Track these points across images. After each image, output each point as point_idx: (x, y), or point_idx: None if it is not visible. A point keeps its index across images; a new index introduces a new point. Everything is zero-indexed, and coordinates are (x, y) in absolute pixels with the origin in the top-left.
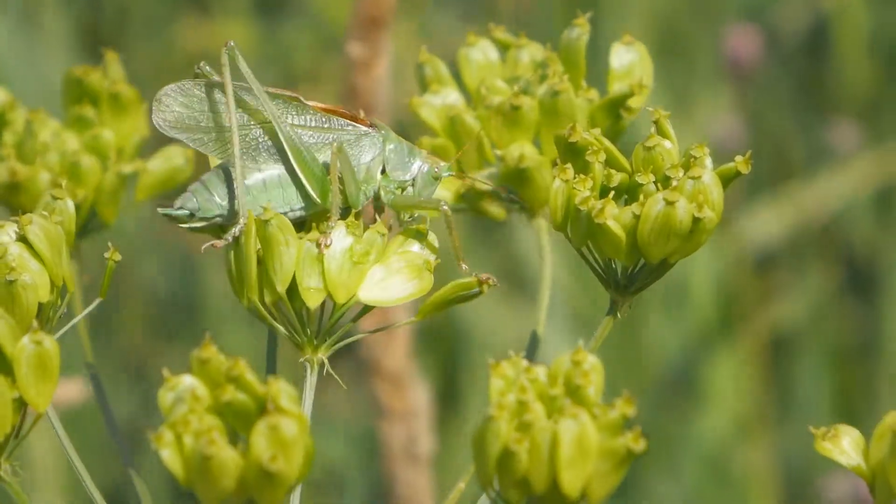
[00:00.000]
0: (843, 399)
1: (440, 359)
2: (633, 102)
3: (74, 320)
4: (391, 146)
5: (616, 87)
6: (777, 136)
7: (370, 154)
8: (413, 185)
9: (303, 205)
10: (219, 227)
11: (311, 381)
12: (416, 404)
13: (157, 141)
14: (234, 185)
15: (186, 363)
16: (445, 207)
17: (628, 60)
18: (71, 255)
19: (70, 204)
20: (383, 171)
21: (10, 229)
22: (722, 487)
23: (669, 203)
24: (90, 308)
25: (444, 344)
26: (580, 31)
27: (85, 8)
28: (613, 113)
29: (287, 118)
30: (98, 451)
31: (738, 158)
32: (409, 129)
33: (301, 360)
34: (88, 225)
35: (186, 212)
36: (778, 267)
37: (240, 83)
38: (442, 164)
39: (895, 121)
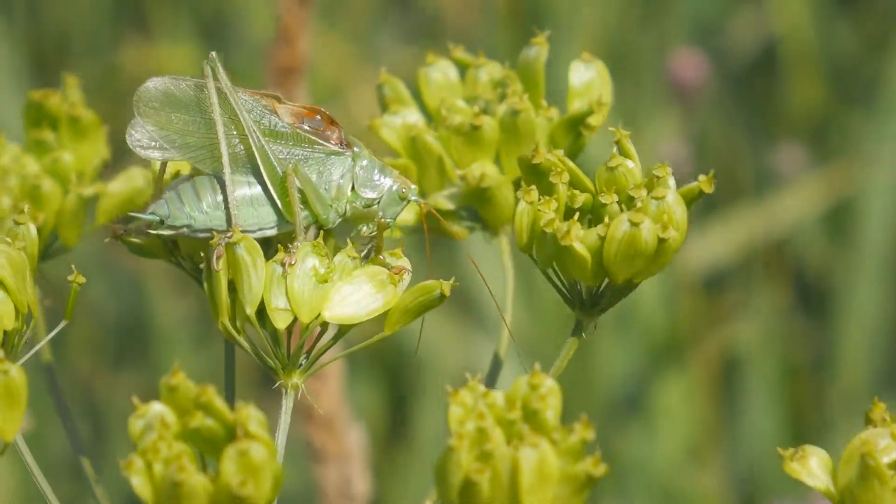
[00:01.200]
0: (794, 419)
1: (386, 382)
2: (592, 120)
3: (39, 345)
4: (362, 163)
5: (576, 105)
6: (725, 158)
7: (339, 171)
8: (378, 203)
9: (275, 223)
10: (168, 244)
11: (287, 405)
12: (351, 446)
13: (114, 162)
14: (202, 201)
15: (135, 387)
16: (383, 219)
17: (588, 77)
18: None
19: (33, 229)
20: (353, 189)
21: None
22: None
23: (634, 224)
24: (55, 332)
25: (390, 367)
26: (539, 48)
27: (27, 30)
28: (574, 131)
29: (266, 128)
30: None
31: (702, 177)
32: (371, 145)
33: (276, 385)
34: (50, 248)
35: (157, 218)
36: (728, 288)
37: (216, 88)
38: (412, 185)
39: (843, 141)
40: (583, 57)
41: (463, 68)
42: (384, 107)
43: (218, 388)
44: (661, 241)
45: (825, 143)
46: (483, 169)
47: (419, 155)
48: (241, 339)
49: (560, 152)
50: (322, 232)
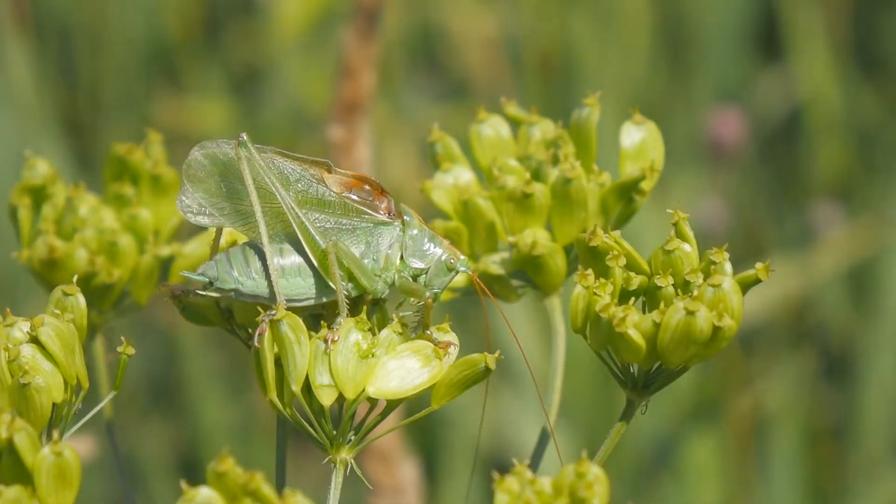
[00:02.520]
0: (816, 482)
1: (419, 444)
2: (644, 185)
3: (88, 415)
4: (412, 232)
5: (628, 169)
6: (755, 218)
7: (388, 241)
8: (426, 273)
9: (324, 293)
10: (218, 309)
11: (336, 482)
12: (406, 480)
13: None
14: (251, 266)
15: (168, 437)
16: (429, 297)
17: (639, 139)
18: (96, 335)
19: (81, 299)
20: (402, 258)
21: (22, 325)
22: None
23: (690, 313)
24: (104, 402)
25: (424, 429)
26: (590, 110)
27: (62, 87)
28: (625, 196)
29: (308, 201)
30: None
31: (759, 265)
32: (405, 200)
33: (325, 461)
34: (120, 304)
35: (206, 279)
36: (757, 347)
37: (265, 148)
38: (461, 256)
39: (866, 206)
40: (634, 119)
41: (515, 125)
42: (436, 164)
43: (257, 449)
44: (717, 329)
45: (849, 208)
46: (534, 236)
47: (471, 218)
48: (289, 415)
49: (617, 233)
50: (365, 307)
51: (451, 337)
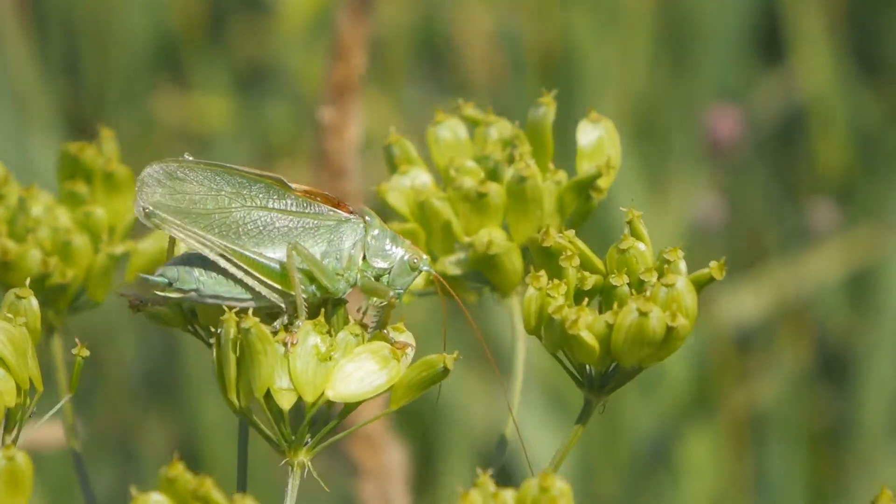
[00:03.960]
0: (814, 481)
1: (413, 436)
2: (601, 182)
3: (45, 418)
4: (374, 232)
5: (584, 167)
6: (754, 217)
7: (351, 240)
8: (389, 273)
9: (285, 295)
10: (180, 310)
11: (292, 484)
12: (391, 463)
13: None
14: (210, 267)
15: (165, 433)
16: (393, 297)
17: (595, 137)
18: (57, 333)
19: (34, 302)
20: (364, 258)
21: None
22: None
23: (643, 313)
24: (58, 406)
25: (417, 421)
26: (546, 108)
27: (65, 84)
28: (583, 194)
29: (268, 202)
30: None
31: (712, 264)
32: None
33: (281, 463)
34: (76, 302)
35: (165, 280)
36: (753, 347)
37: (220, 165)
38: (423, 256)
39: (865, 208)
40: (591, 117)
41: (474, 125)
42: (392, 167)
43: (256, 445)
44: (670, 329)
45: (848, 209)
46: (490, 236)
47: (427, 219)
48: (250, 416)
49: (571, 233)
50: (323, 310)
51: (408, 337)
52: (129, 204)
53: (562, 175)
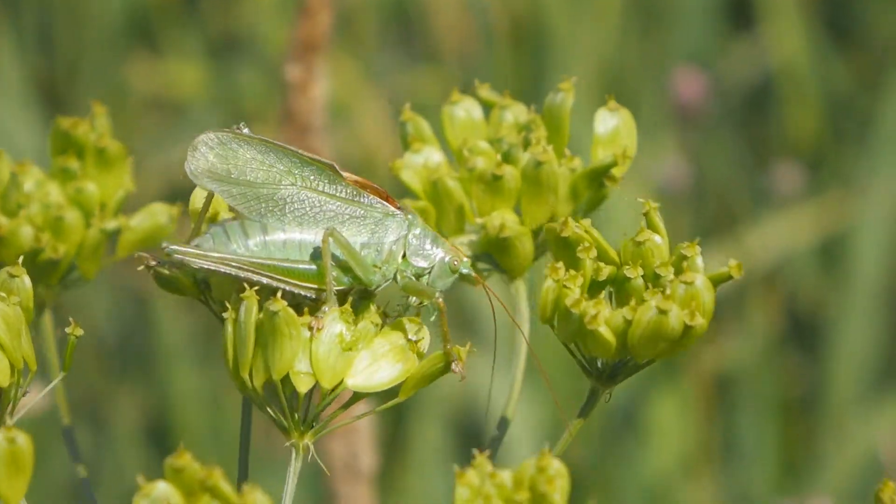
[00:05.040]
0: (784, 445)
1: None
2: (616, 171)
3: (38, 396)
4: (416, 231)
5: (600, 155)
6: (722, 181)
7: (394, 235)
8: (429, 273)
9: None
10: (196, 284)
11: (295, 466)
12: (359, 422)
13: (139, 197)
14: (250, 239)
15: (138, 403)
16: (440, 299)
17: (612, 126)
18: (47, 310)
19: (27, 281)
20: (404, 255)
21: None
22: None
23: (662, 312)
24: (52, 385)
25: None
26: (564, 95)
27: (38, 54)
28: (596, 182)
29: (319, 185)
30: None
31: (731, 262)
32: (351, 166)
33: (287, 444)
34: (67, 278)
35: (200, 251)
36: (722, 312)
37: (274, 142)
38: (464, 258)
39: (836, 173)
40: (609, 105)
41: (488, 107)
42: (405, 144)
43: (228, 415)
44: (688, 327)
45: (819, 174)
46: (503, 219)
47: (439, 198)
48: (259, 399)
49: (587, 222)
50: (350, 298)
51: (424, 333)
52: (121, 179)
53: (577, 162)
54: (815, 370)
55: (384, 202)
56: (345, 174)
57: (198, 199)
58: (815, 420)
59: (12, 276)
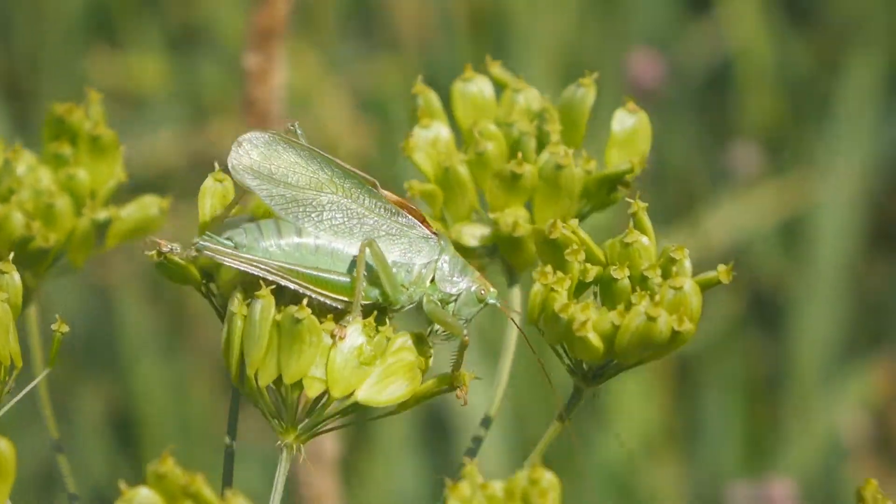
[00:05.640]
0: (749, 425)
1: None
2: (629, 177)
3: (22, 393)
4: (446, 257)
5: (614, 156)
6: (681, 163)
7: (426, 258)
8: (456, 300)
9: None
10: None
11: (284, 467)
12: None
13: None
14: (283, 238)
15: (104, 394)
16: (467, 337)
17: (630, 126)
18: (31, 301)
19: (16, 277)
20: (433, 280)
21: None
22: None
23: (651, 318)
24: (37, 380)
25: None
26: (586, 91)
27: None
28: (610, 187)
29: (359, 198)
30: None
31: (721, 268)
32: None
33: (279, 443)
34: (54, 266)
35: (232, 244)
36: None
37: (320, 151)
38: (492, 289)
39: (796, 154)
40: (628, 106)
41: (501, 87)
42: (414, 119)
43: (193, 406)
44: (676, 332)
45: (778, 155)
46: (516, 217)
47: (449, 185)
48: (261, 400)
49: (575, 223)
50: (375, 312)
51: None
52: (113, 168)
53: (593, 165)
54: (778, 350)
55: (421, 224)
56: (383, 192)
57: (206, 197)
58: (779, 400)
59: (2, 272)
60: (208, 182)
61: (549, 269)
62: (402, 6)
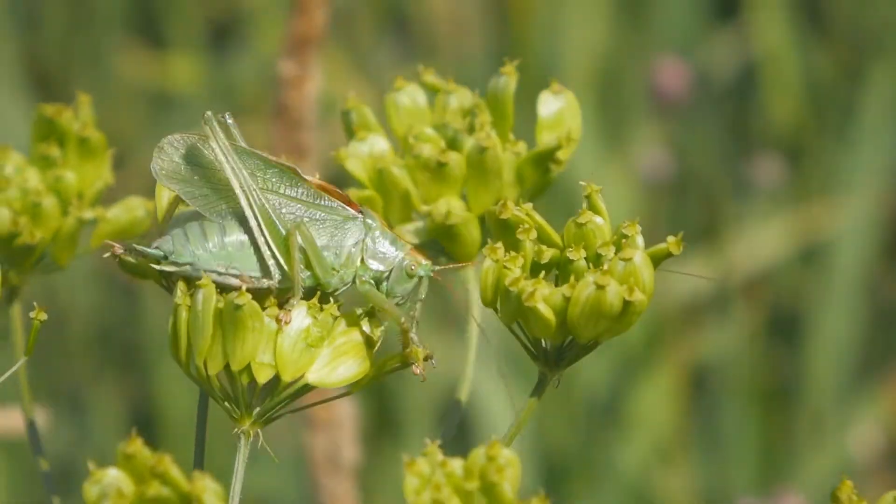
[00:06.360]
0: (764, 436)
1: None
2: (561, 154)
3: (2, 378)
4: (374, 234)
5: (544, 138)
6: (704, 171)
7: (353, 239)
8: (388, 277)
9: (278, 276)
10: (163, 279)
11: (243, 453)
12: (341, 415)
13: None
14: (209, 241)
15: (124, 394)
16: (406, 324)
17: (556, 108)
18: (14, 297)
19: None
20: (362, 260)
21: None
22: None
23: (600, 287)
24: (14, 368)
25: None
26: (507, 79)
27: (30, 39)
28: (542, 165)
29: (280, 188)
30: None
31: (670, 239)
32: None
33: (235, 430)
34: (40, 263)
35: (161, 253)
36: (704, 304)
37: (238, 145)
38: (423, 262)
39: (817, 166)
40: (552, 88)
41: (433, 93)
42: (350, 133)
43: (213, 407)
44: (627, 303)
45: (800, 165)
46: (449, 206)
47: (385, 187)
48: (212, 387)
49: (529, 205)
50: (318, 293)
51: (378, 332)
52: (100, 170)
53: (521, 146)
54: (795, 363)
55: (345, 206)
56: (308, 177)
57: (163, 193)
58: (793, 413)
59: None
60: None
61: (499, 245)
62: (437, 13)
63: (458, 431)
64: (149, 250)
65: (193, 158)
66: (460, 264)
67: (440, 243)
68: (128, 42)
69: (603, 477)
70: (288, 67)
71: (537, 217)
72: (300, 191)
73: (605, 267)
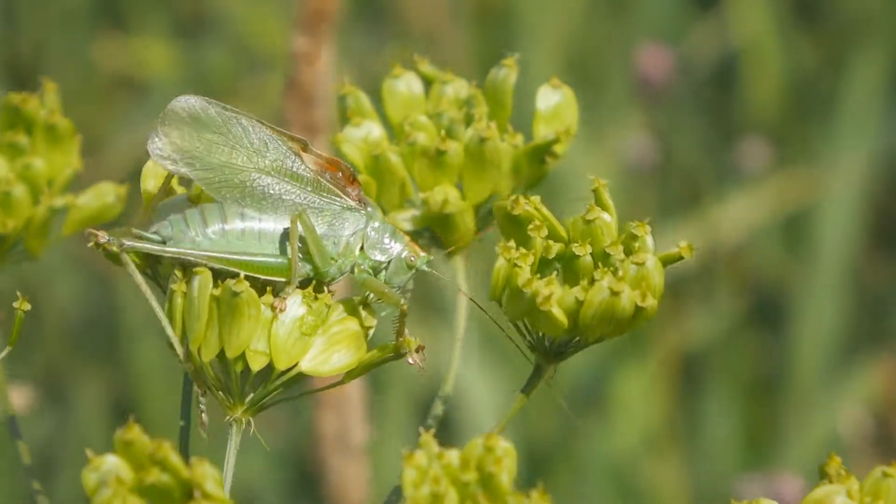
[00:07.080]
0: (749, 420)
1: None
2: (558, 148)
3: None
4: (374, 224)
5: (542, 131)
6: (688, 158)
7: (352, 229)
8: (386, 268)
9: (278, 263)
10: (150, 270)
11: (235, 441)
12: (350, 393)
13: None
14: (209, 227)
15: (102, 382)
16: (405, 306)
17: (554, 102)
18: None
19: None
20: (361, 248)
21: None
22: (628, 502)
23: (615, 293)
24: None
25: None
26: (507, 71)
27: (4, 31)
28: (538, 158)
29: (281, 170)
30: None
31: (682, 244)
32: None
33: (227, 419)
34: (11, 252)
35: (160, 238)
36: (688, 290)
37: (247, 115)
38: (421, 254)
39: (800, 151)
40: (552, 82)
41: (428, 82)
42: (345, 119)
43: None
44: (639, 308)
45: (783, 151)
46: (445, 194)
47: (381, 173)
48: (205, 374)
49: (537, 199)
50: (314, 282)
51: (372, 321)
52: (69, 157)
53: (519, 138)
54: (780, 348)
55: (343, 196)
56: (313, 151)
57: (148, 178)
58: (780, 397)
59: None
60: (149, 164)
61: (512, 243)
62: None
63: (437, 423)
64: (148, 234)
65: (192, 137)
66: (451, 248)
67: (433, 231)
68: (101, 31)
69: (588, 466)
70: (301, 42)
71: (546, 211)
72: (302, 177)
73: (619, 272)
